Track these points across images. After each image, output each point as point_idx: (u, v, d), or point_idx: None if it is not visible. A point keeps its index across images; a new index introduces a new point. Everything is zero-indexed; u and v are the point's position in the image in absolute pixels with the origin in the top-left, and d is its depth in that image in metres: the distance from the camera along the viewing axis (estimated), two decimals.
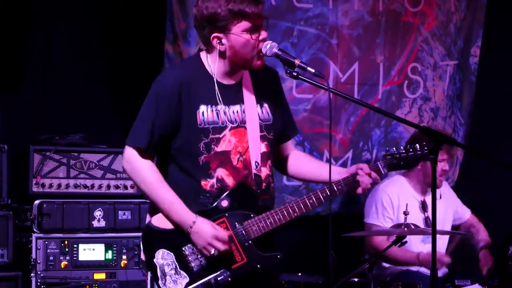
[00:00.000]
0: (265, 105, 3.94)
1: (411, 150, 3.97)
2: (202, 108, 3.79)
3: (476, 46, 6.94)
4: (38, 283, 5.27)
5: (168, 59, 5.98)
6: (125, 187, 5.62)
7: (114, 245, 5.47)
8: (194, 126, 3.77)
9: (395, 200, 5.84)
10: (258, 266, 3.79)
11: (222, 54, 3.80)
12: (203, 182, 3.79)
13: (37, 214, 5.34)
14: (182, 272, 3.77)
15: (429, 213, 5.82)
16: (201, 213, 3.77)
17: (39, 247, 5.34)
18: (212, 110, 3.80)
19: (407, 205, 5.17)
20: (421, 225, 5.69)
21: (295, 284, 5.13)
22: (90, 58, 6.15)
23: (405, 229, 4.94)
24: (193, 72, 3.84)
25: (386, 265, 5.86)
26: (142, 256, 3.87)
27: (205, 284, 3.70)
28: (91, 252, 5.43)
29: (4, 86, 5.84)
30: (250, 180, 3.83)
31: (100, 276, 5.42)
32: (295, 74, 3.82)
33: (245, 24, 3.74)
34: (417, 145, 3.97)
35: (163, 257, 3.78)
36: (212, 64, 3.85)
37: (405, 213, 5.08)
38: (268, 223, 3.81)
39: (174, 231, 3.79)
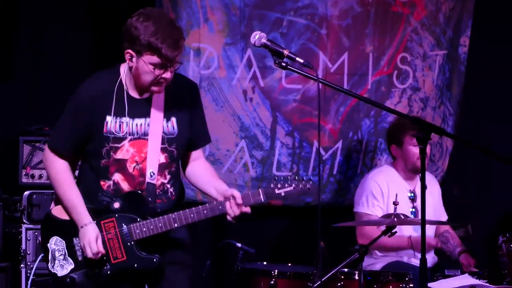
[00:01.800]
0: (173, 119, 4.25)
1: (293, 182, 4.24)
2: (108, 118, 4.16)
3: (465, 36, 6.93)
4: (28, 274, 5.27)
5: None
6: None
7: None
8: (100, 134, 4.16)
9: (385, 189, 5.84)
10: (135, 265, 4.18)
11: (130, 69, 4.15)
12: (101, 182, 4.21)
13: (26, 205, 5.34)
14: (69, 259, 4.21)
15: (417, 203, 5.83)
16: (95, 210, 4.20)
17: (28, 238, 5.33)
18: (116, 122, 4.15)
19: (396, 195, 5.17)
20: (411, 215, 5.70)
21: (285, 275, 5.13)
22: (80, 50, 6.14)
23: (395, 219, 4.94)
24: (107, 84, 4.19)
25: (377, 255, 5.86)
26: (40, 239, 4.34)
27: (85, 272, 4.17)
28: None
29: None
30: (143, 187, 4.20)
31: None
32: (284, 64, 3.91)
33: (155, 59, 4.03)
34: (297, 177, 4.26)
35: (56, 243, 4.22)
36: (127, 76, 4.19)
37: (395, 203, 5.08)
38: (150, 229, 4.16)
39: (69, 223, 4.21)
